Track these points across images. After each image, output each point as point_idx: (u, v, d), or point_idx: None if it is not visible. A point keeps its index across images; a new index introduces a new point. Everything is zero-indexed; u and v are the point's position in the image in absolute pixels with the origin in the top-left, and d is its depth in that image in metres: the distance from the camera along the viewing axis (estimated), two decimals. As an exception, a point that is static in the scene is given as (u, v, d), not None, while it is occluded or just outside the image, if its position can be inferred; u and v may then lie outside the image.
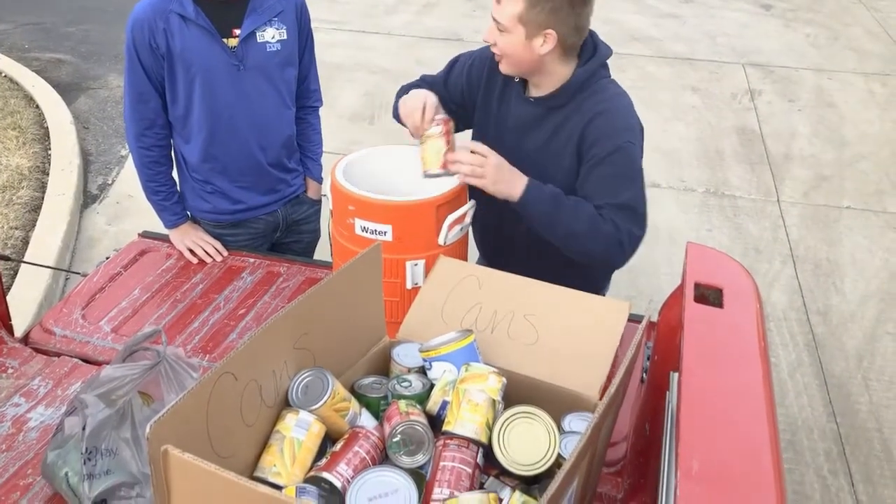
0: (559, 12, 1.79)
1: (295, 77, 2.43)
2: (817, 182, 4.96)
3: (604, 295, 2.26)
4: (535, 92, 1.97)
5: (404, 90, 2.11)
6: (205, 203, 2.45)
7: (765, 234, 4.41)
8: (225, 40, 2.25)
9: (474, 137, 2.12)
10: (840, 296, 3.91)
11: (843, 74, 6.57)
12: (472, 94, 2.07)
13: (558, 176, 1.92)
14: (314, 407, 1.26)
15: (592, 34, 1.95)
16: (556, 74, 1.91)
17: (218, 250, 2.44)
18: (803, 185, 4.91)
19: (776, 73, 6.57)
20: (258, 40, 2.28)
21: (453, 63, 2.14)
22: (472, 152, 1.85)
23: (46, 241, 4.00)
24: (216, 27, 2.23)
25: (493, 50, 1.92)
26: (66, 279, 3.82)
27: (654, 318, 1.83)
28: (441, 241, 1.91)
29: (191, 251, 2.43)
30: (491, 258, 2.25)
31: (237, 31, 2.25)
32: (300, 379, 1.29)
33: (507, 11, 1.81)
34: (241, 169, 2.41)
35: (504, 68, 1.94)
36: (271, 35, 2.29)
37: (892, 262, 4.18)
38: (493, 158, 1.84)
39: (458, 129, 2.15)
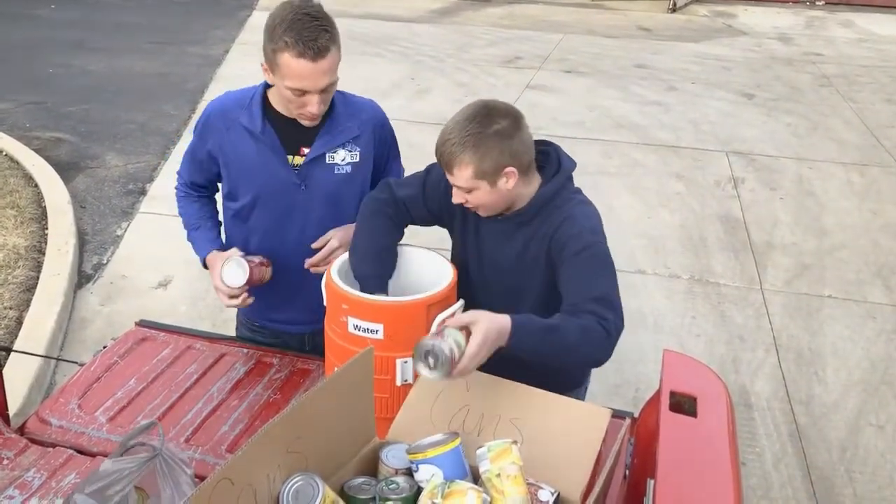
0: (505, 149, 1.87)
1: (366, 193, 2.22)
2: (799, 270, 5.08)
3: (585, 387, 2.33)
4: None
5: (370, 208, 2.12)
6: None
7: (749, 322, 4.50)
8: (290, 157, 2.16)
9: (454, 247, 2.19)
10: (822, 385, 3.98)
11: (823, 164, 6.77)
12: (450, 207, 2.07)
13: (534, 286, 2.01)
14: (305, 512, 1.31)
15: (556, 149, 2.04)
16: (524, 195, 1.99)
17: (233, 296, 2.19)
18: (786, 274, 5.03)
19: (758, 162, 6.77)
20: (327, 161, 2.16)
21: (428, 172, 2.13)
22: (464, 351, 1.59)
23: (40, 323, 4.05)
24: (283, 143, 2.14)
25: (467, 206, 1.99)
26: (58, 364, 3.85)
27: (637, 414, 1.90)
28: (430, 339, 1.98)
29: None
30: None
31: (305, 150, 2.15)
32: (291, 485, 1.34)
33: (464, 175, 1.89)
34: (276, 285, 2.29)
35: (483, 213, 2.01)
36: (342, 157, 2.17)
37: (873, 353, 4.26)
38: (481, 339, 1.60)
39: (431, 224, 2.17)
